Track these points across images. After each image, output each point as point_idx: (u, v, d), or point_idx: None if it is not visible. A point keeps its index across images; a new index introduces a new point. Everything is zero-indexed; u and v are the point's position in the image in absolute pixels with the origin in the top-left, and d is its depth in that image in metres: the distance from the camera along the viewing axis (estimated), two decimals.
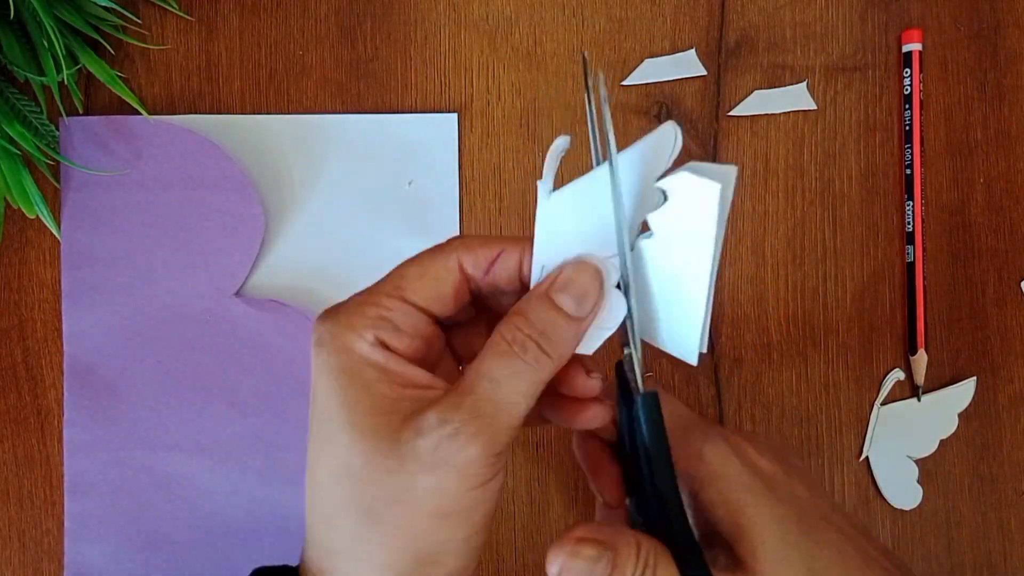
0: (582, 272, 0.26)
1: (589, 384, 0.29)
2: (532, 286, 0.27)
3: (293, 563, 0.29)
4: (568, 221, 0.26)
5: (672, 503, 0.28)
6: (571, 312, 0.26)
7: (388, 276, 0.27)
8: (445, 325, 0.28)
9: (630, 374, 0.29)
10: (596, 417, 0.29)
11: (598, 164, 0.27)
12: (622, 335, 0.28)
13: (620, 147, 0.26)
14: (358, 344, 0.25)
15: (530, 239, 0.27)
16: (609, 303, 0.27)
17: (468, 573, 0.26)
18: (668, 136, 0.25)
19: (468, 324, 0.30)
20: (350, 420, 0.25)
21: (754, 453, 0.34)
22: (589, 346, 0.27)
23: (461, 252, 0.27)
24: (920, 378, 0.45)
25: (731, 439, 0.34)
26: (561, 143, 0.25)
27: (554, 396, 0.29)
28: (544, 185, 0.26)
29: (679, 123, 0.25)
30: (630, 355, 0.29)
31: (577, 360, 0.28)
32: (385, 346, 0.26)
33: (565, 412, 0.29)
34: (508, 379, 0.25)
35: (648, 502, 0.29)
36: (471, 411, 0.24)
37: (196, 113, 0.44)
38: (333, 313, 0.27)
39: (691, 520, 0.31)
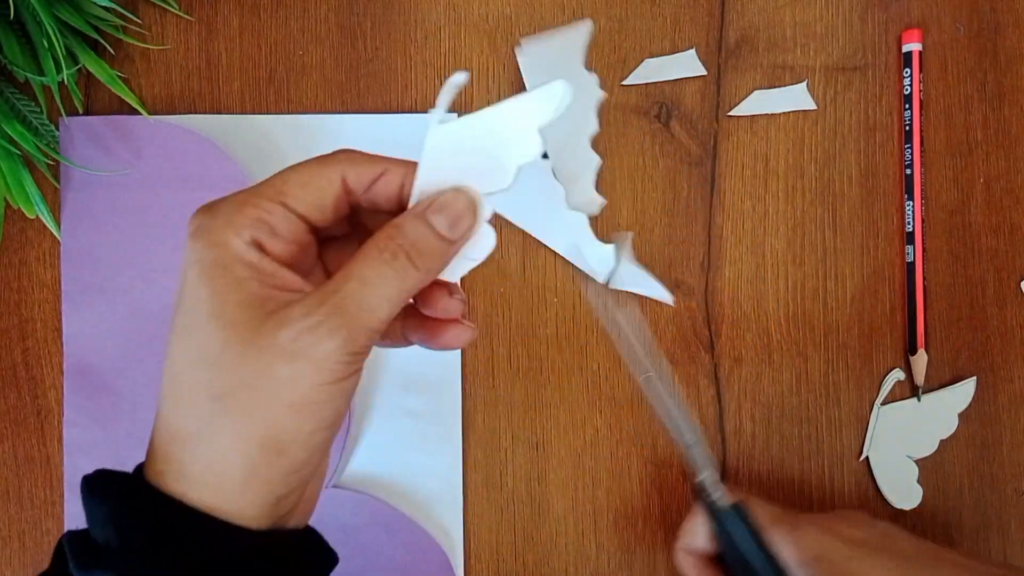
0: (459, 198, 0.28)
1: (452, 304, 0.30)
2: (410, 207, 0.28)
3: None
4: (455, 154, 0.28)
5: None
6: (443, 232, 0.27)
7: (270, 180, 0.27)
8: (320, 237, 0.29)
9: (710, 491, 0.33)
10: (456, 337, 0.30)
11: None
12: (689, 464, 0.33)
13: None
14: (233, 241, 0.26)
15: (415, 164, 0.28)
16: (479, 235, 0.28)
17: (310, 468, 0.27)
18: (555, 93, 0.27)
19: (342, 239, 0.30)
20: (214, 311, 0.25)
21: (845, 527, 0.37)
22: (454, 274, 0.29)
23: (345, 166, 0.28)
24: (920, 378, 0.45)
25: (820, 522, 0.38)
26: (459, 78, 0.27)
27: (417, 317, 0.30)
28: (435, 114, 0.27)
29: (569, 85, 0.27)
30: (703, 481, 0.33)
31: (442, 282, 0.29)
32: (261, 247, 0.26)
33: (428, 332, 0.30)
34: (374, 282, 0.26)
35: None
36: (334, 307, 0.25)
37: (196, 113, 0.44)
38: (211, 209, 0.27)
39: None
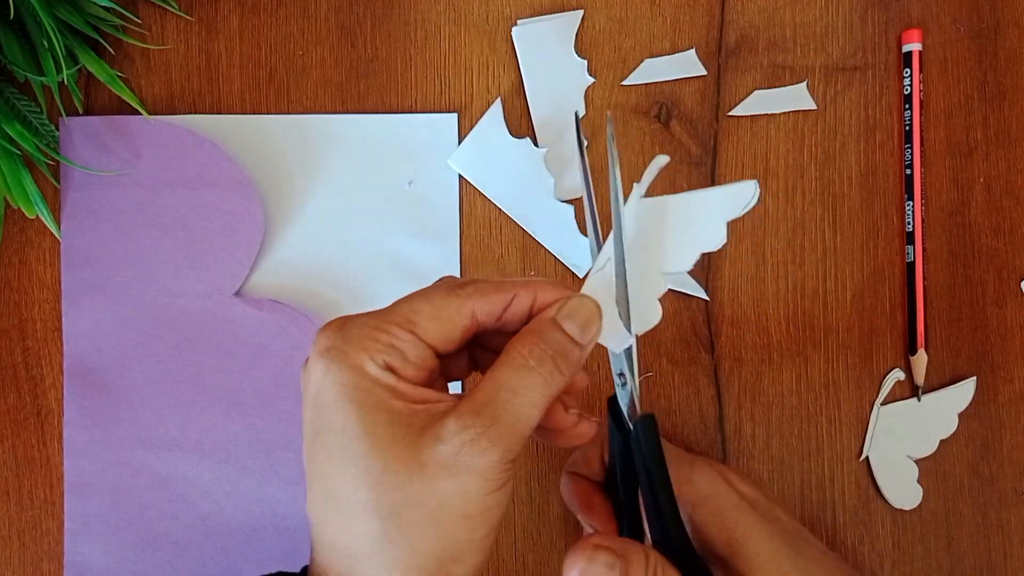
0: (585, 304, 0.29)
1: (568, 418, 0.31)
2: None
3: (288, 568, 0.29)
4: (645, 228, 0.30)
5: (672, 519, 0.30)
6: (576, 337, 0.29)
7: (400, 306, 0.28)
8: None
9: (622, 404, 0.32)
10: (581, 435, 0.31)
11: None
12: (618, 364, 0.32)
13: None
14: (369, 366, 0.27)
15: (539, 281, 0.30)
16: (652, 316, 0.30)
17: (480, 570, 0.28)
18: (748, 190, 0.29)
19: (461, 349, 0.31)
20: (367, 430, 0.26)
21: (737, 479, 0.38)
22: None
23: (476, 300, 0.29)
24: (920, 378, 0.45)
25: (715, 466, 0.39)
26: (662, 160, 0.29)
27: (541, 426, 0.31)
28: (638, 188, 0.30)
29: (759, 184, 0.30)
30: (626, 384, 0.32)
31: (558, 399, 0.30)
32: (394, 372, 0.27)
33: (552, 431, 0.31)
34: (525, 390, 0.27)
35: (644, 526, 0.31)
36: (490, 418, 0.26)
37: (196, 113, 0.44)
38: (342, 329, 0.28)
39: None
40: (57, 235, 0.44)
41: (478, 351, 0.32)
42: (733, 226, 0.45)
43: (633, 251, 0.30)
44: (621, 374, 0.32)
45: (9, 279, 0.44)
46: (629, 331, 0.30)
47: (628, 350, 0.31)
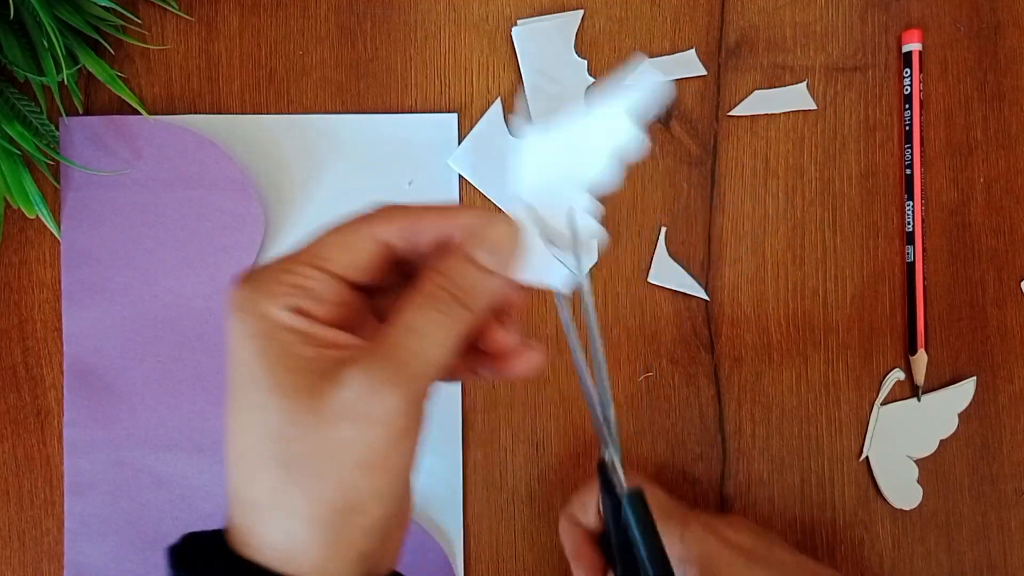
0: (496, 228, 0.27)
1: (507, 339, 0.29)
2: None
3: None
4: (547, 162, 0.28)
5: None
6: (487, 265, 0.27)
7: (308, 245, 0.27)
8: (369, 289, 0.29)
9: (613, 475, 0.31)
10: (527, 364, 0.29)
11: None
12: (600, 439, 0.31)
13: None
14: (274, 311, 0.26)
15: (451, 207, 0.28)
16: (543, 264, 0.28)
17: (394, 520, 0.27)
18: (656, 87, 0.27)
19: (392, 287, 0.30)
20: (270, 380, 0.25)
21: (731, 532, 0.38)
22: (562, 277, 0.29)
23: (380, 224, 0.27)
24: (920, 378, 0.45)
25: (709, 523, 0.38)
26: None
27: (482, 353, 0.29)
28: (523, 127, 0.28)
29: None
30: (611, 458, 0.31)
31: (493, 319, 0.29)
32: (305, 313, 0.26)
33: (494, 364, 0.29)
34: (427, 329, 0.26)
35: None
36: (390, 360, 0.25)
37: (196, 113, 0.44)
38: (250, 280, 0.27)
39: None
40: (57, 235, 0.44)
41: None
42: (733, 226, 0.45)
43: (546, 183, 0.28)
44: (606, 446, 0.31)
45: (9, 279, 0.44)
46: (572, 261, 0.28)
47: (605, 417, 0.30)
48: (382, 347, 0.25)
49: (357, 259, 0.27)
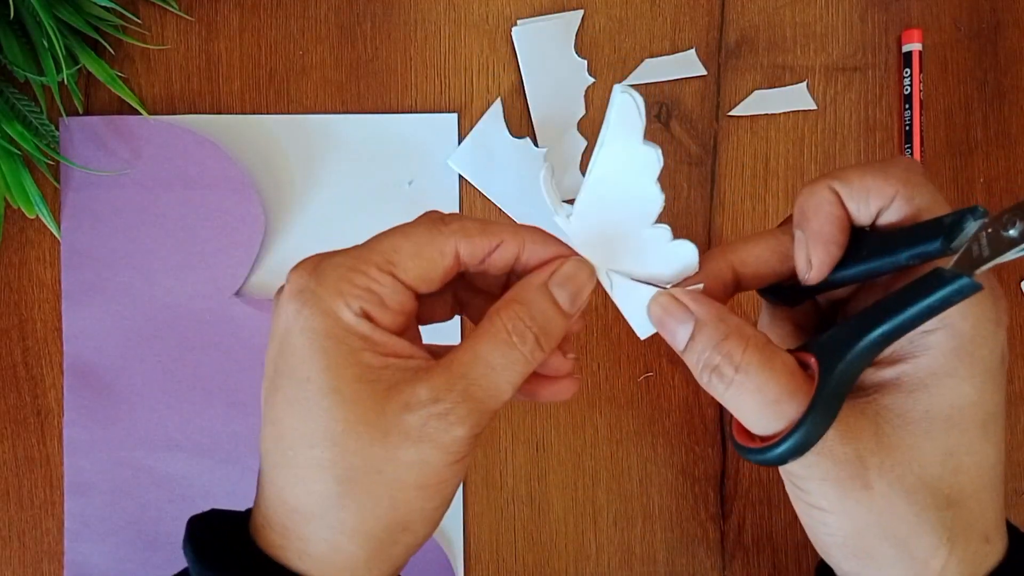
0: (581, 269, 0.27)
1: (565, 364, 0.29)
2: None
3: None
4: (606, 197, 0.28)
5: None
6: (566, 308, 0.27)
7: (379, 243, 0.26)
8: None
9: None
10: (565, 391, 0.29)
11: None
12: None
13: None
14: (344, 312, 0.25)
15: (527, 230, 0.28)
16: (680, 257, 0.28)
17: (428, 538, 0.27)
18: (628, 107, 0.26)
19: (436, 292, 0.30)
20: (333, 385, 0.25)
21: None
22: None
23: (460, 238, 0.27)
24: None
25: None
26: (545, 173, 0.27)
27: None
28: (559, 215, 0.28)
29: (629, 91, 0.26)
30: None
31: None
32: (370, 319, 0.25)
33: (532, 386, 0.29)
34: (504, 367, 0.25)
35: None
36: (463, 394, 0.25)
37: (196, 113, 0.44)
38: (316, 270, 0.26)
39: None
40: (57, 235, 0.44)
41: (462, 292, 0.30)
42: (733, 226, 0.45)
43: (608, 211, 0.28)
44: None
45: (9, 279, 0.44)
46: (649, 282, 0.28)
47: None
48: (454, 374, 0.25)
49: (430, 271, 0.26)
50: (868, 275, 0.27)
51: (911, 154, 0.45)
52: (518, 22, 0.44)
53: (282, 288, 0.27)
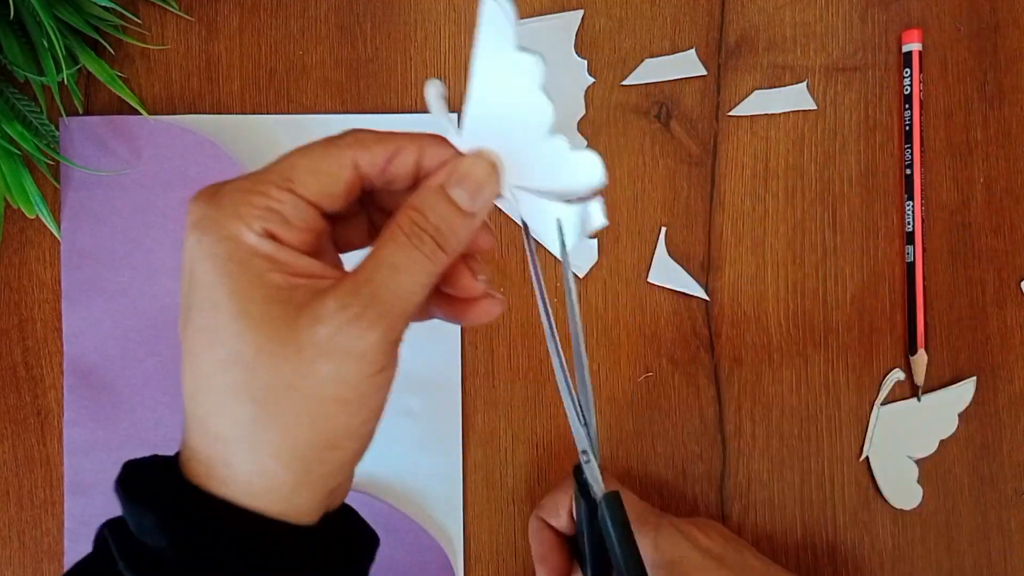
0: (477, 165, 0.27)
1: (475, 285, 0.28)
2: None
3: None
4: (494, 113, 0.27)
5: None
6: (465, 207, 0.26)
7: (275, 165, 0.26)
8: (332, 217, 0.28)
9: (590, 478, 0.31)
10: (486, 312, 0.29)
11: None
12: (576, 441, 0.31)
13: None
14: (245, 234, 0.25)
15: (426, 136, 0.27)
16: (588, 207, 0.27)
17: (361, 455, 0.27)
18: (494, 12, 0.25)
19: (350, 216, 0.29)
20: (241, 308, 0.24)
21: (703, 537, 0.39)
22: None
23: (357, 149, 0.26)
24: (920, 378, 0.45)
25: (681, 527, 0.39)
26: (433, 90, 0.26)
27: (443, 294, 0.29)
28: (449, 130, 0.27)
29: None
30: (588, 461, 0.31)
31: (462, 261, 0.28)
32: (274, 238, 0.25)
33: (454, 308, 0.29)
34: (406, 267, 0.25)
35: None
36: (371, 297, 0.24)
37: (196, 113, 0.44)
38: (214, 197, 0.25)
39: None
40: (57, 235, 0.44)
41: (375, 214, 0.30)
42: (733, 226, 0.45)
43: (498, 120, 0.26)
44: (584, 451, 0.30)
45: (9, 279, 0.44)
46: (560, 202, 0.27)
47: (585, 420, 0.30)
48: (359, 282, 0.25)
49: (330, 185, 0.26)
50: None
51: (911, 154, 0.45)
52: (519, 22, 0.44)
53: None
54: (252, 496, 0.25)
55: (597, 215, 0.28)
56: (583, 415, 0.30)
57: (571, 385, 0.29)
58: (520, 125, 0.26)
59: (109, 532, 0.26)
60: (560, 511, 0.40)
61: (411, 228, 0.26)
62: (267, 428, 0.24)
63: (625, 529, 0.31)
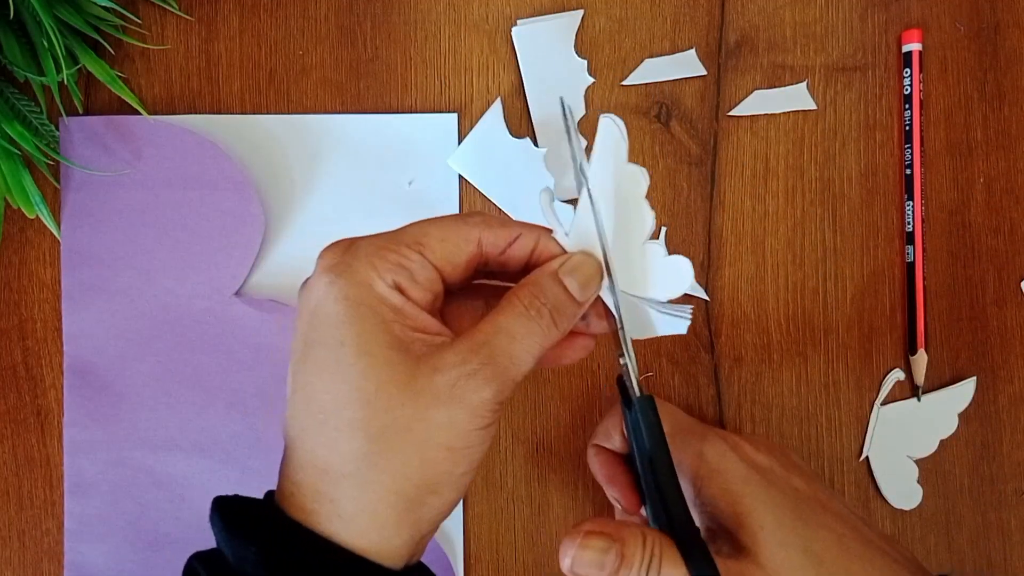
0: (588, 262, 0.29)
1: (599, 324, 0.32)
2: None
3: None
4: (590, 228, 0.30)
5: (672, 498, 0.30)
6: (576, 294, 0.29)
7: (407, 230, 0.29)
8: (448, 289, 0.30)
9: (628, 383, 0.32)
10: (584, 348, 0.32)
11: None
12: (617, 347, 0.31)
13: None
14: (377, 282, 0.27)
15: (543, 228, 0.30)
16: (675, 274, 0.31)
17: (454, 506, 0.28)
18: (612, 131, 0.30)
19: (459, 296, 0.31)
20: (366, 348, 0.26)
21: (751, 450, 0.37)
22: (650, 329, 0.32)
23: (483, 228, 0.29)
24: (920, 378, 0.45)
25: (729, 438, 0.38)
26: (545, 196, 0.30)
27: None
28: (558, 233, 0.30)
29: (613, 117, 0.30)
30: (626, 365, 0.31)
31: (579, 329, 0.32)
32: (402, 291, 0.27)
33: (554, 351, 0.31)
34: (523, 336, 0.27)
35: (655, 503, 0.31)
36: (488, 357, 0.26)
37: (196, 113, 0.44)
38: (349, 248, 0.28)
39: (697, 516, 0.34)
40: (57, 235, 0.44)
41: (492, 300, 0.32)
42: (733, 226, 0.45)
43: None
44: (621, 355, 0.32)
45: (9, 279, 0.44)
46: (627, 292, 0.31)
47: (621, 333, 0.31)
48: (478, 342, 0.27)
49: (455, 255, 0.28)
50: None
51: (911, 154, 0.45)
52: (518, 22, 0.44)
53: (307, 280, 0.28)
54: (354, 533, 0.26)
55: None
56: (620, 318, 0.31)
57: (614, 283, 0.31)
58: (623, 230, 0.30)
59: (200, 564, 0.27)
60: (612, 433, 0.39)
61: (530, 301, 0.28)
62: (378, 466, 0.26)
63: (656, 430, 0.31)
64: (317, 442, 0.26)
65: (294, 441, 0.27)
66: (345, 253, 0.28)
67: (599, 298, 0.31)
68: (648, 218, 0.30)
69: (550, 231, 0.30)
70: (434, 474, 0.26)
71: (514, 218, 0.44)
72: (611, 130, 0.29)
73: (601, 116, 0.29)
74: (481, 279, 0.32)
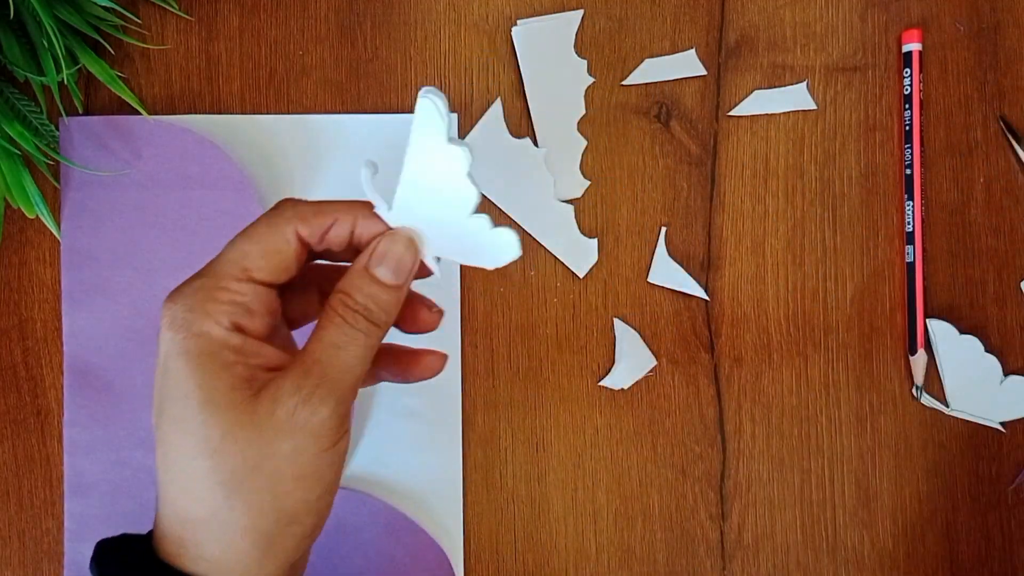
0: (395, 242, 0.29)
1: (433, 317, 0.32)
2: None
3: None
4: (420, 199, 0.30)
5: None
6: (389, 282, 0.29)
7: (228, 255, 0.29)
8: (280, 287, 0.30)
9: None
10: (430, 367, 0.33)
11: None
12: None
13: None
14: (215, 329, 0.27)
15: (359, 206, 0.30)
16: (495, 242, 0.30)
17: (319, 530, 0.29)
18: (428, 109, 0.29)
19: (299, 288, 0.32)
20: (207, 397, 0.26)
21: None
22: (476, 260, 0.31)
23: (297, 222, 0.29)
24: (920, 378, 0.45)
25: None
26: (365, 173, 0.30)
27: (387, 357, 0.33)
28: (380, 208, 0.30)
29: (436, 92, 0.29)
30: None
31: (418, 301, 0.32)
32: (240, 329, 0.28)
33: (400, 368, 0.33)
34: (347, 344, 0.28)
35: None
36: (320, 376, 0.27)
37: (196, 113, 0.44)
38: (184, 297, 0.28)
39: None
40: (57, 235, 0.44)
41: (326, 286, 0.32)
42: (733, 226, 0.45)
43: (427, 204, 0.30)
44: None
45: (9, 279, 0.44)
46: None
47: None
48: (308, 363, 0.27)
49: (281, 262, 0.29)
50: None
51: (911, 154, 0.45)
52: (518, 22, 0.44)
53: (158, 335, 0.29)
54: (221, 572, 0.27)
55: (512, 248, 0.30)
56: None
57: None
58: (446, 206, 0.29)
59: None
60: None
61: (343, 309, 0.28)
62: (235, 508, 0.26)
63: None
64: (176, 493, 0.27)
65: (160, 493, 0.28)
66: (180, 303, 0.28)
67: (423, 264, 0.30)
68: (472, 195, 0.29)
69: (369, 210, 0.30)
70: (290, 504, 0.27)
71: (514, 218, 0.44)
72: (428, 108, 0.28)
73: (420, 92, 0.29)
74: (321, 280, 0.32)
